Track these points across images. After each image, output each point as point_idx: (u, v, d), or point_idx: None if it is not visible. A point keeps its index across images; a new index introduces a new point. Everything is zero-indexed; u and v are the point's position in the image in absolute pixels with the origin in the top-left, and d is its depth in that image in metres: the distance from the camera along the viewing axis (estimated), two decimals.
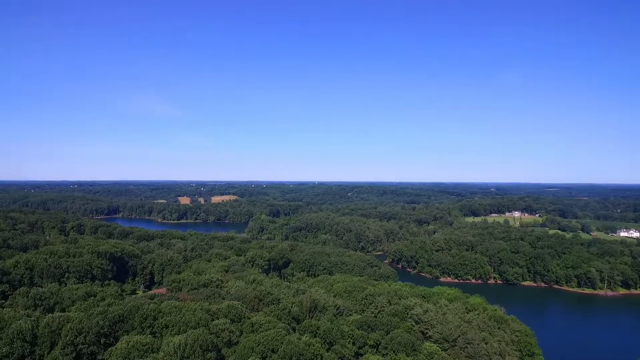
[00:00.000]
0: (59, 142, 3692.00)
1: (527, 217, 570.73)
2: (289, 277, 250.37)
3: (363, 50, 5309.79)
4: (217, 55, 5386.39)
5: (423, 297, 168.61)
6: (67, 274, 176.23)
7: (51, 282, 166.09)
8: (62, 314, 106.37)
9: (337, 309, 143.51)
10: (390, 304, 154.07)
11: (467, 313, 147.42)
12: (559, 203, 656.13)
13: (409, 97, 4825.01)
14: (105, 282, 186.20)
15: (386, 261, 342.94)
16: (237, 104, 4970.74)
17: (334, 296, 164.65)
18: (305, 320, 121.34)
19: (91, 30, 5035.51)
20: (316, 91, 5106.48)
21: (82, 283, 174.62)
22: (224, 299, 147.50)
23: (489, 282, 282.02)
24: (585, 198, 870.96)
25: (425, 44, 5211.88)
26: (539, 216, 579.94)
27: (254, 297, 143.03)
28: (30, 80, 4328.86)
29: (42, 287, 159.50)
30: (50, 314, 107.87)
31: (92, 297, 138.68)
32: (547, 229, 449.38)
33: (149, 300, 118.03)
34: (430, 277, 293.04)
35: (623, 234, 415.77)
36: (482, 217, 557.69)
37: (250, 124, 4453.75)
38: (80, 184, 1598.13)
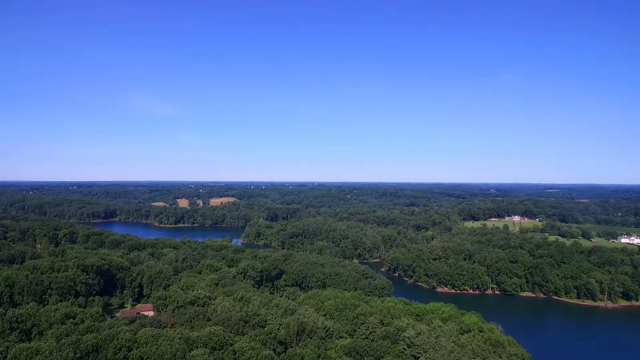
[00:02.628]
0: (60, 142, 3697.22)
1: (527, 222, 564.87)
2: (282, 289, 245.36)
3: (363, 51, 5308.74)
4: (217, 56, 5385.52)
5: (417, 315, 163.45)
6: (49, 291, 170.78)
7: (32, 301, 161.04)
8: (31, 344, 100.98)
9: (326, 331, 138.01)
10: (382, 324, 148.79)
11: (462, 335, 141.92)
12: (559, 207, 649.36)
13: (409, 98, 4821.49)
14: (89, 299, 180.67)
15: (383, 269, 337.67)
16: (237, 104, 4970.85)
17: (325, 315, 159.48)
18: (290, 349, 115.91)
19: (90, 30, 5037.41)
20: (317, 91, 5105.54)
21: (65, 300, 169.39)
22: (209, 320, 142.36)
23: (486, 292, 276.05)
24: (586, 200, 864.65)
25: (425, 45, 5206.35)
26: (539, 220, 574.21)
27: (239, 319, 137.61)
28: (31, 81, 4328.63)
29: (22, 305, 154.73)
30: (19, 344, 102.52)
31: (71, 319, 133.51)
32: (547, 234, 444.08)
33: (125, 328, 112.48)
34: (427, 287, 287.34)
35: (624, 240, 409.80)
36: (482, 222, 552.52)
37: (250, 125, 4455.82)
38: (80, 185, 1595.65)
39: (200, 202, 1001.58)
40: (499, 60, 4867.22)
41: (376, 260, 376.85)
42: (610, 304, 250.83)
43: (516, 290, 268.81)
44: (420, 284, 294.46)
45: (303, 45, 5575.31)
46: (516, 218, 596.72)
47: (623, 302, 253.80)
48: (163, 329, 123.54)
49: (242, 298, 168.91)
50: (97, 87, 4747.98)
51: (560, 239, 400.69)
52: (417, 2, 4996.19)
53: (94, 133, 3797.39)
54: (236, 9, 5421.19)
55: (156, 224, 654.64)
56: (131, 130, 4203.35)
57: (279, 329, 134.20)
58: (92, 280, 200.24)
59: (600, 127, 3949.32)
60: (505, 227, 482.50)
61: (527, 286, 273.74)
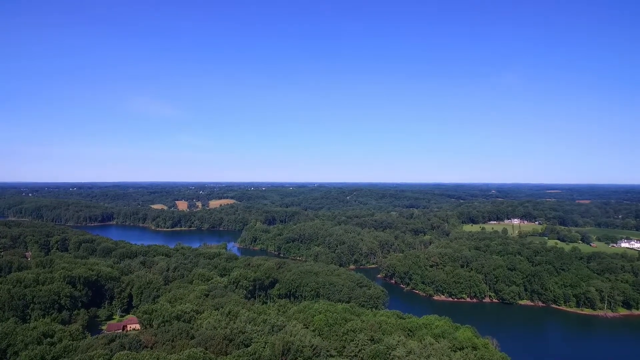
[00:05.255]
0: (61, 143, 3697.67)
1: (526, 225, 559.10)
2: (275, 298, 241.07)
3: (363, 51, 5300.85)
4: (216, 56, 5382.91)
5: (409, 330, 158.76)
6: (32, 305, 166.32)
7: (13, 316, 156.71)
8: None
9: (313, 350, 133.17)
10: (372, 341, 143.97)
11: (454, 352, 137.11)
12: (560, 209, 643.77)
13: (410, 98, 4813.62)
14: (74, 312, 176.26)
15: (380, 275, 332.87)
16: (237, 105, 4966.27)
17: (314, 330, 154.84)
18: None
19: (90, 30, 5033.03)
20: (317, 92, 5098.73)
21: (49, 315, 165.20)
22: (192, 337, 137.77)
23: (484, 300, 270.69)
24: (587, 202, 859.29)
25: (426, 45, 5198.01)
26: (539, 224, 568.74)
27: (223, 337, 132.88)
28: (30, 82, 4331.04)
29: (2, 322, 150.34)
30: None
31: (49, 338, 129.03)
32: (547, 238, 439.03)
33: (100, 352, 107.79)
34: (424, 295, 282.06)
35: (624, 244, 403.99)
36: (481, 225, 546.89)
37: (251, 125, 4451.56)
38: (80, 187, 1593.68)
39: (199, 204, 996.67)
40: (500, 60, 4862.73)
41: (373, 265, 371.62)
42: (610, 313, 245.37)
43: (514, 299, 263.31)
44: (417, 291, 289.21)
45: (303, 45, 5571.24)
46: (515, 221, 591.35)
47: (623, 311, 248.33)
48: (142, 349, 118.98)
49: (229, 312, 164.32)
50: (98, 88, 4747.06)
51: (560, 244, 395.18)
52: (417, 2, 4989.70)
53: (94, 134, 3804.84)
54: (235, 9, 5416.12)
55: (153, 228, 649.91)
56: (132, 131, 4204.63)
57: (264, 347, 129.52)
58: (80, 292, 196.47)
59: (602, 127, 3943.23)
60: (504, 230, 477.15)
61: (526, 294, 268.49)
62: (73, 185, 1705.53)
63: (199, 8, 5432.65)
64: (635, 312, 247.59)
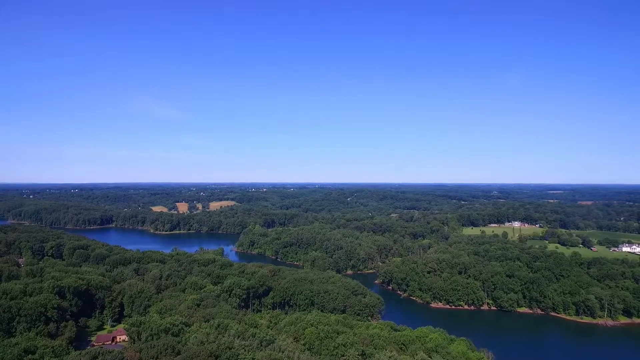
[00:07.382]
0: (64, 144, 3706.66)
1: (526, 228, 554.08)
2: (269, 308, 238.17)
3: (364, 52, 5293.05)
4: (218, 57, 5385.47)
5: (402, 344, 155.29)
6: (17, 318, 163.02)
7: None
8: None
9: None
10: (363, 356, 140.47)
11: None
12: (561, 211, 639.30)
13: (411, 98, 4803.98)
14: (62, 324, 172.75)
15: (377, 281, 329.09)
16: (238, 106, 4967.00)
17: (304, 344, 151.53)
18: None
19: (92, 32, 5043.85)
20: (319, 93, 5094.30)
21: (35, 328, 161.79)
22: (178, 353, 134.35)
23: (482, 308, 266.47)
24: (589, 203, 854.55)
25: (427, 46, 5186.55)
26: (540, 226, 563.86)
27: (209, 354, 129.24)
28: (32, 83, 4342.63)
29: None
30: None
31: (31, 355, 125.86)
32: (547, 242, 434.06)
33: None
34: (421, 302, 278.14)
35: (625, 249, 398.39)
36: (481, 228, 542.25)
37: (252, 126, 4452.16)
38: (81, 188, 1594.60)
39: (199, 206, 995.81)
40: (501, 60, 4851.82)
41: (371, 270, 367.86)
42: (610, 322, 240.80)
43: (512, 307, 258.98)
44: (414, 298, 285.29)
45: (304, 46, 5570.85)
46: (516, 224, 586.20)
47: (623, 319, 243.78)
48: None
49: (219, 325, 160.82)
50: (99, 89, 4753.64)
51: (560, 248, 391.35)
52: (418, 2, 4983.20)
53: (96, 135, 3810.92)
54: (236, 10, 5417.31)
55: (152, 231, 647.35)
56: (133, 132, 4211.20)
57: None
58: (70, 302, 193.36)
59: (604, 127, 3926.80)
60: (505, 234, 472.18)
61: (524, 302, 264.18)
62: (74, 186, 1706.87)
63: (200, 9, 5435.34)
64: (636, 320, 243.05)
